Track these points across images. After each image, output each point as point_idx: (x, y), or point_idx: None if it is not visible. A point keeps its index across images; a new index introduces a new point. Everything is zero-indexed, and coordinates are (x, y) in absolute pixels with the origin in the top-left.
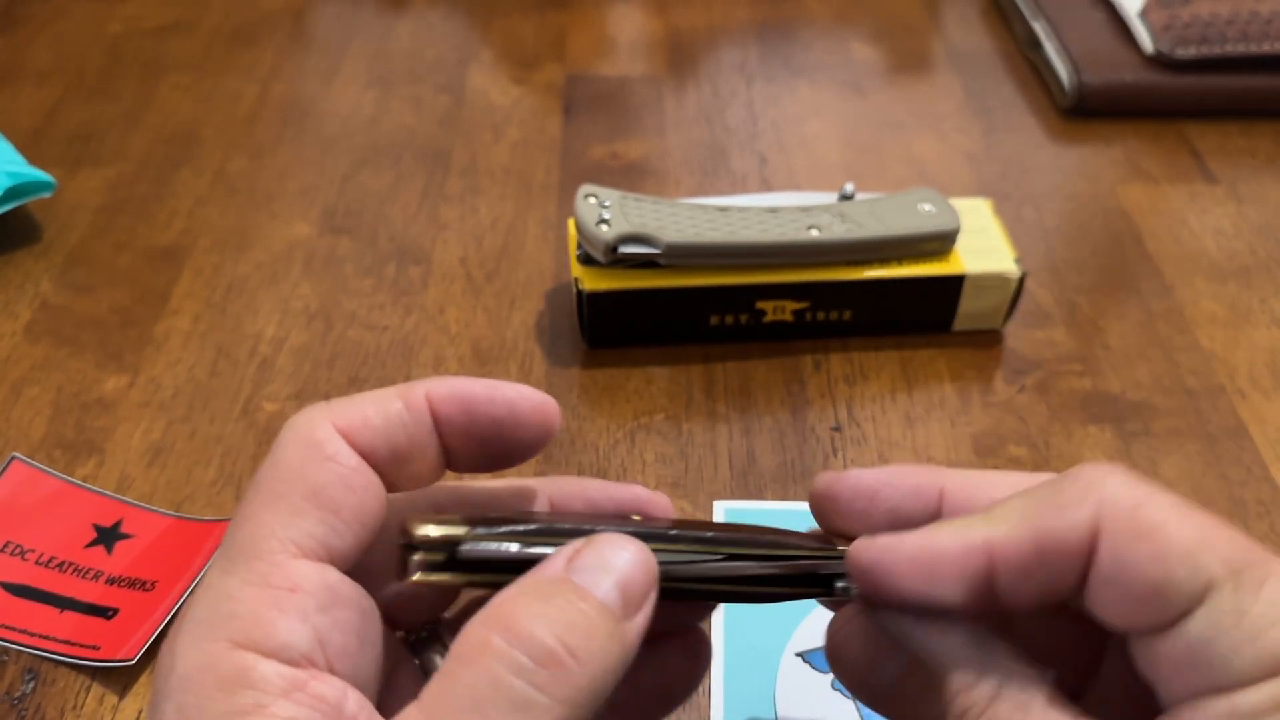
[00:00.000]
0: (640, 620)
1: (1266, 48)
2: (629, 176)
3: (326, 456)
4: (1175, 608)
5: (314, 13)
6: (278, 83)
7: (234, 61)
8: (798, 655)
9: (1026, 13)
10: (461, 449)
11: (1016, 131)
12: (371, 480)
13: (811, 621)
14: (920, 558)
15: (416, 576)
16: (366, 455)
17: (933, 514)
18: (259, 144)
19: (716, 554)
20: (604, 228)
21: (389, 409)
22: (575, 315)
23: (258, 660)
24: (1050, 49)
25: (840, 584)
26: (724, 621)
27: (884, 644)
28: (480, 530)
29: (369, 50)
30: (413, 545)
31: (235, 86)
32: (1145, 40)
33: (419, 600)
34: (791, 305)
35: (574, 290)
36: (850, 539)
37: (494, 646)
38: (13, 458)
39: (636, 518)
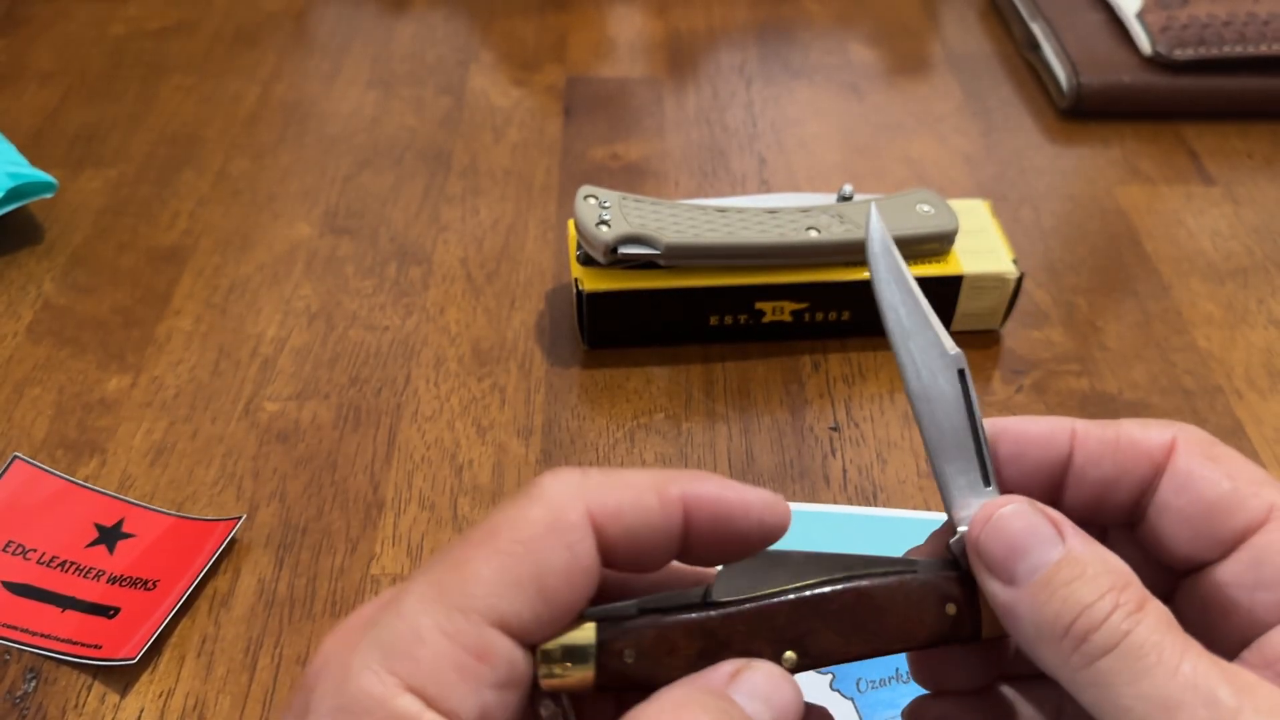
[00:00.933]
0: None
1: (1264, 49)
2: (629, 177)
3: (567, 545)
4: (1241, 523)
5: (315, 14)
6: (279, 84)
7: (235, 63)
8: None
9: (1025, 14)
10: (697, 549)
11: (1014, 132)
12: (595, 576)
13: None
14: (1014, 428)
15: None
16: (606, 549)
17: (1064, 461)
18: (260, 145)
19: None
20: (604, 228)
21: (644, 504)
22: (575, 315)
23: (424, 712)
24: (1048, 50)
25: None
26: None
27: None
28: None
29: (370, 52)
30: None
31: (237, 87)
32: (1143, 41)
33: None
34: (790, 306)
35: (574, 290)
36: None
37: None
38: (15, 458)
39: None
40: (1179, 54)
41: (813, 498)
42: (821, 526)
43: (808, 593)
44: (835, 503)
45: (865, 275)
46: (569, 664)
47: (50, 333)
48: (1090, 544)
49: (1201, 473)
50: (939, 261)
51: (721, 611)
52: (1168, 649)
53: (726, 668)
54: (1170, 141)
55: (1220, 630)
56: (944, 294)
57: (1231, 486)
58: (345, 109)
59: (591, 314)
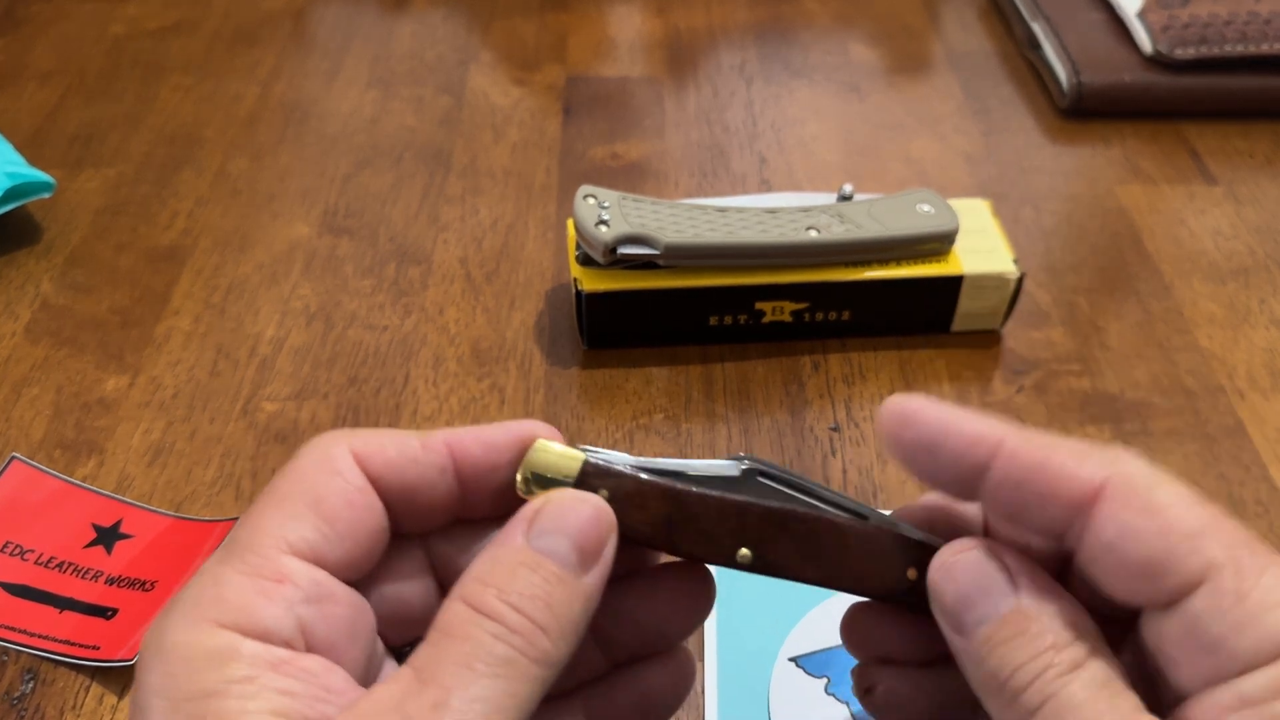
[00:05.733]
0: (600, 569)
1: (1265, 48)
2: (628, 177)
3: (334, 471)
4: (1174, 584)
5: (315, 13)
6: (278, 83)
7: (235, 62)
8: (791, 660)
9: (1025, 13)
10: (482, 495)
11: (1015, 132)
12: (373, 503)
13: (805, 626)
14: (942, 419)
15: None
16: (375, 481)
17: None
18: (260, 145)
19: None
20: (603, 228)
21: (405, 445)
22: (574, 315)
23: (242, 640)
24: (1049, 49)
25: (910, 572)
26: (717, 627)
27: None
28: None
29: (370, 51)
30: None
31: (236, 87)
32: (1144, 41)
33: (411, 622)
34: (790, 306)
35: (573, 291)
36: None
37: (472, 621)
38: (13, 458)
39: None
40: (1180, 53)
41: None
42: None
43: (786, 507)
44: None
45: (866, 275)
46: (549, 486)
47: (48, 333)
48: (1045, 594)
49: (1132, 527)
50: (939, 261)
51: (701, 490)
52: (1096, 712)
53: (526, 515)
54: (1171, 141)
55: (1166, 676)
56: (944, 294)
57: (1164, 545)
58: (345, 108)
59: (591, 314)
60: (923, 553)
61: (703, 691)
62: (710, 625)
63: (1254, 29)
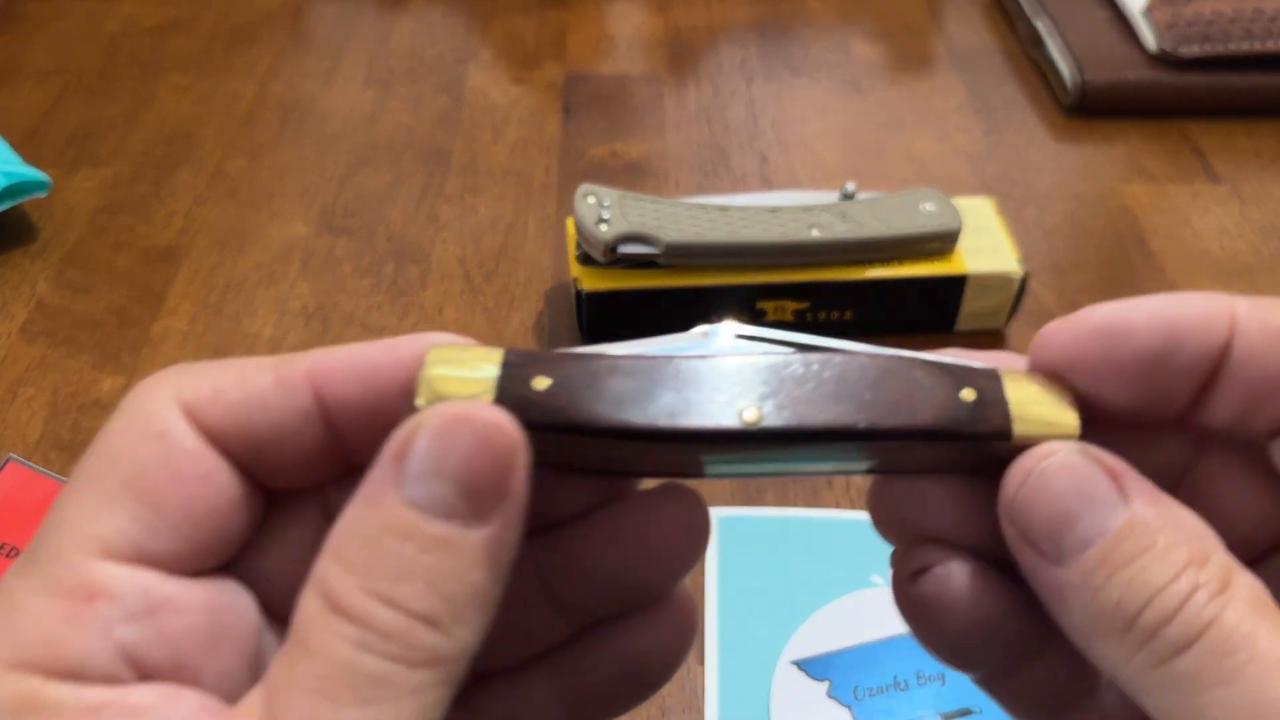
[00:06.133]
0: (506, 510)
1: (1270, 46)
2: (629, 176)
3: (154, 434)
4: None
5: (313, 12)
6: (276, 82)
7: (232, 61)
8: (793, 663)
9: (1028, 11)
10: (369, 434)
11: (1019, 130)
12: (213, 469)
13: (808, 629)
14: (1167, 308)
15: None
16: (216, 437)
17: (1213, 359)
18: (257, 144)
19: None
20: (603, 227)
21: (253, 383)
22: (574, 315)
23: (45, 684)
24: (1052, 47)
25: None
26: (718, 630)
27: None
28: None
29: (368, 49)
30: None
31: (233, 86)
32: (1149, 38)
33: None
34: (792, 305)
35: (573, 290)
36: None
37: (328, 627)
38: (9, 459)
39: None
40: (1185, 51)
41: (814, 502)
42: (823, 532)
43: (793, 353)
44: (838, 506)
45: (868, 274)
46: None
47: (44, 333)
48: (1161, 501)
49: (1270, 346)
50: (943, 261)
51: (666, 352)
52: (1264, 640)
53: (393, 445)
54: (1176, 139)
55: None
56: (948, 293)
57: None
58: (343, 107)
59: (591, 314)
60: (973, 375)
61: (703, 695)
62: (711, 627)
63: (1259, 26)
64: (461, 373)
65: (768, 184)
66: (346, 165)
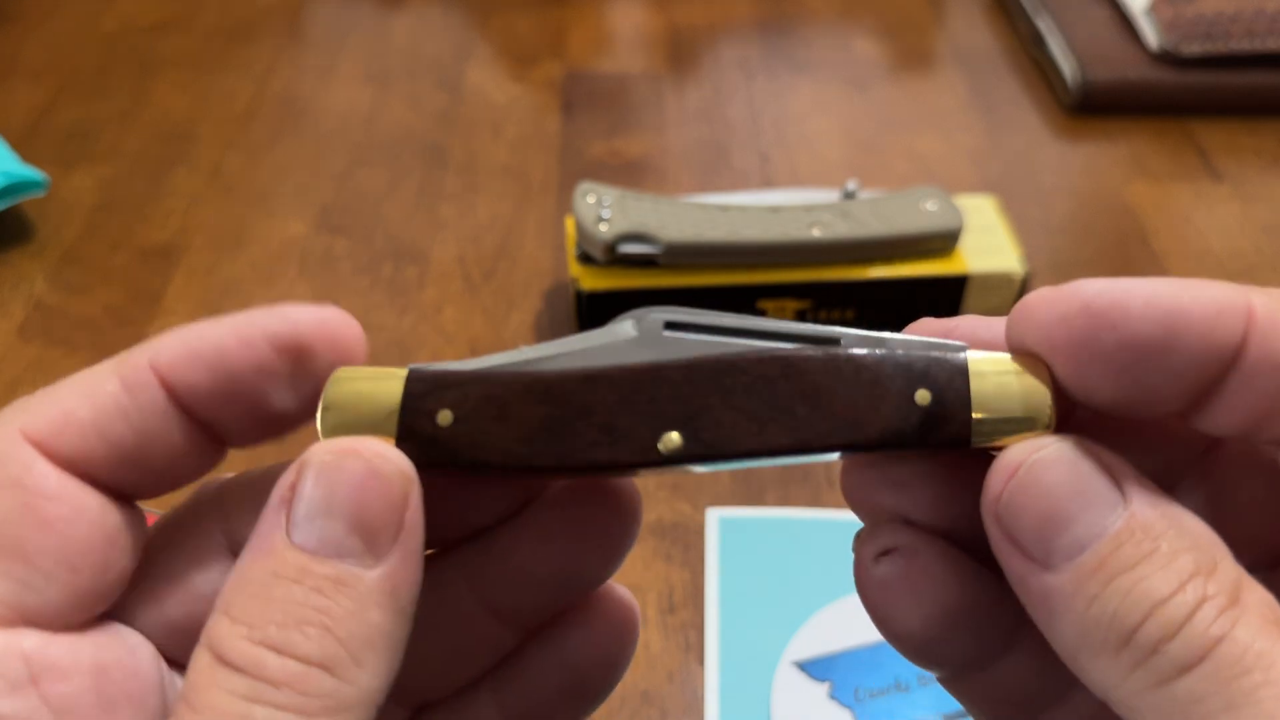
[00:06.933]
0: (405, 545)
1: (1272, 44)
2: (629, 174)
3: (10, 481)
4: None
5: (310, 9)
6: (274, 80)
7: (230, 59)
8: (794, 664)
9: (1030, 9)
10: (231, 419)
11: (1020, 129)
12: (80, 503)
13: (808, 630)
14: (1171, 293)
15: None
16: (77, 465)
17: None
18: (255, 142)
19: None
20: (603, 226)
21: (100, 394)
22: (574, 315)
23: None
24: (1054, 46)
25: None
26: (719, 630)
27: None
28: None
29: (366, 47)
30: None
31: (231, 84)
32: (1150, 37)
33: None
34: (793, 305)
35: (573, 289)
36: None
37: (216, 682)
38: None
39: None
40: (1187, 49)
41: (816, 502)
42: (824, 532)
43: (716, 355)
44: (839, 507)
45: (870, 274)
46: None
47: (42, 332)
48: (1163, 503)
49: None
50: (944, 260)
51: (583, 370)
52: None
53: (280, 488)
54: (1178, 138)
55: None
56: (950, 293)
57: None
58: (341, 105)
59: (590, 313)
60: (932, 367)
61: (704, 696)
62: (712, 628)
63: (1261, 25)
64: (359, 405)
65: (768, 183)
66: (345, 164)
